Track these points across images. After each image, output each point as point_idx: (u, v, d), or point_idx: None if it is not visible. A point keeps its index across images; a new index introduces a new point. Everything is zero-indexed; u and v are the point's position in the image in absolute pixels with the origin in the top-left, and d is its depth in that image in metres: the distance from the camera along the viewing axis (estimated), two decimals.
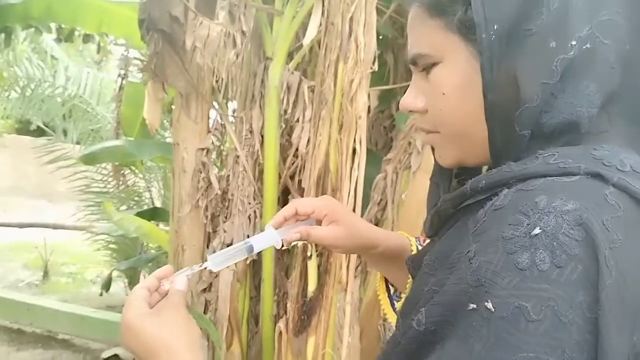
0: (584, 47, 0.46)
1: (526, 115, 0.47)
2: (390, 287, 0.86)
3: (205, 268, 0.67)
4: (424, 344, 0.43)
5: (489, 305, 0.38)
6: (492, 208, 0.43)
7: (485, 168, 0.61)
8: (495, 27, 0.46)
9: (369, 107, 1.76)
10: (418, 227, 1.90)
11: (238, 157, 1.97)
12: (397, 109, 2.38)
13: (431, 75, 0.54)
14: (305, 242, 0.73)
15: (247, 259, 1.97)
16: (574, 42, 0.45)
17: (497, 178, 0.47)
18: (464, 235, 0.45)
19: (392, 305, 0.84)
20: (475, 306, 0.39)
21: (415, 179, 1.86)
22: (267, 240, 0.71)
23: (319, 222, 0.74)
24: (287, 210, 0.72)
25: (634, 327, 0.36)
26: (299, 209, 0.71)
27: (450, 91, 0.52)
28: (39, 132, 9.58)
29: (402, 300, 0.79)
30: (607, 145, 0.46)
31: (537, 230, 0.38)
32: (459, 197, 0.52)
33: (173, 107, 2.27)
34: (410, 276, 0.76)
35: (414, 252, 0.78)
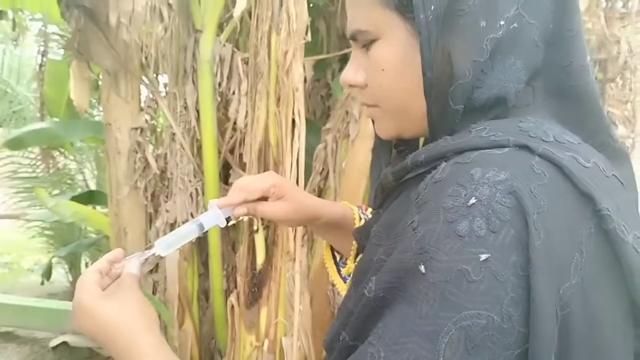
0: (512, 27, 0.48)
1: (459, 90, 0.49)
2: (337, 254, 0.89)
3: (154, 254, 0.65)
4: (375, 310, 0.46)
5: (434, 270, 0.41)
6: (432, 181, 0.46)
7: (422, 140, 0.64)
8: (432, 8, 0.48)
9: (304, 77, 1.76)
10: (359, 193, 1.96)
11: (174, 134, 1.94)
12: (333, 77, 2.39)
13: (371, 51, 0.55)
14: (252, 216, 0.74)
15: None
16: (502, 22, 0.48)
17: (435, 152, 0.50)
18: (408, 206, 0.48)
19: (339, 272, 0.88)
20: (421, 272, 0.41)
21: (354, 146, 1.90)
22: (215, 218, 0.70)
23: (264, 199, 0.75)
24: (236, 197, 0.71)
25: (559, 281, 0.40)
26: (248, 196, 0.71)
27: (389, 67, 0.54)
28: None
29: (348, 266, 0.82)
30: (532, 117, 0.50)
31: (473, 200, 0.41)
32: (400, 170, 0.55)
33: (100, 84, 2.18)
34: (354, 242, 0.79)
35: (357, 220, 0.81)
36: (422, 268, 0.41)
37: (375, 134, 0.65)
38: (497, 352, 0.39)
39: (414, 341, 0.40)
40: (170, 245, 0.67)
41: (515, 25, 0.49)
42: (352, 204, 0.90)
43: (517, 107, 0.51)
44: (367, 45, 0.55)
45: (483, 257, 0.40)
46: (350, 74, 0.58)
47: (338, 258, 0.89)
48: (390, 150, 0.67)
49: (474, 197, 0.41)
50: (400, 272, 0.44)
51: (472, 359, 0.39)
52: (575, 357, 0.41)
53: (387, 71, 0.54)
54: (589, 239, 0.42)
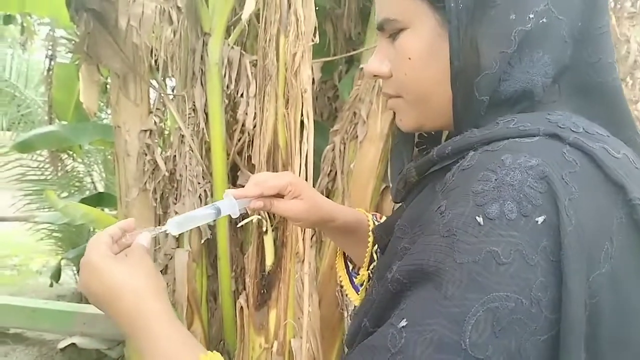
0: (541, 21, 0.49)
1: (485, 81, 0.50)
2: (349, 263, 0.89)
3: (165, 231, 0.65)
4: (397, 295, 0.45)
5: (461, 251, 0.41)
6: (460, 168, 0.46)
7: (445, 136, 0.64)
8: None
9: (312, 79, 1.76)
10: (367, 195, 1.96)
11: (183, 136, 1.94)
12: (340, 79, 2.40)
13: (398, 40, 0.56)
14: (267, 211, 0.74)
15: (201, 237, 1.97)
16: (531, 15, 0.49)
17: (463, 143, 0.50)
18: (433, 197, 0.48)
19: (352, 282, 0.87)
20: (448, 253, 0.41)
21: (362, 148, 1.90)
22: (230, 207, 0.70)
23: (280, 196, 0.75)
24: (252, 191, 0.71)
25: (589, 269, 0.40)
26: (265, 191, 0.71)
27: (416, 56, 0.54)
28: None
29: (361, 275, 0.82)
30: (559, 111, 0.50)
31: (504, 184, 0.41)
32: (425, 164, 0.55)
33: (109, 87, 2.20)
34: (367, 249, 0.79)
35: (371, 227, 0.81)
36: (449, 250, 0.41)
37: (397, 130, 0.66)
38: (524, 337, 0.39)
39: (439, 322, 0.40)
40: (181, 225, 0.66)
41: (545, 20, 0.49)
42: (362, 208, 0.90)
43: (543, 102, 0.52)
44: (394, 34, 0.56)
45: (513, 240, 0.40)
46: (376, 64, 0.59)
47: (351, 267, 0.89)
48: (412, 147, 0.68)
49: (505, 181, 0.41)
50: (424, 254, 0.44)
51: (498, 342, 0.38)
52: (605, 347, 0.41)
53: (414, 60, 0.55)
54: (620, 228, 0.42)
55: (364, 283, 0.83)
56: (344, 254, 0.89)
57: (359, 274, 0.84)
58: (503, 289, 0.39)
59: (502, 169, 0.42)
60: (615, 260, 0.41)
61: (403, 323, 0.41)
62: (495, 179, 0.42)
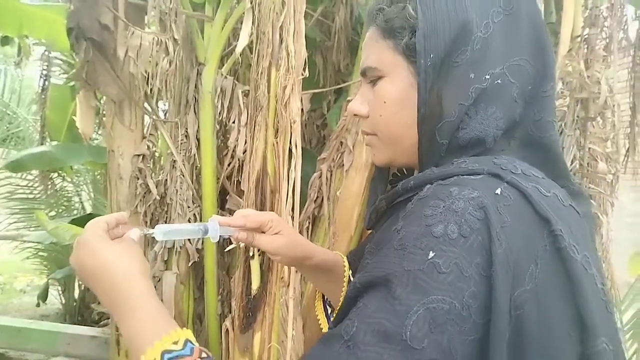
0: (496, 82, 0.58)
1: (445, 127, 0.59)
2: (328, 307, 0.95)
3: (152, 235, 0.70)
4: (354, 298, 0.53)
5: (409, 260, 0.49)
6: (418, 197, 0.55)
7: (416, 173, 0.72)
8: (431, 56, 0.58)
9: (302, 109, 1.84)
10: (353, 221, 2.03)
11: (175, 161, 2.00)
12: (328, 109, 2.48)
13: (377, 86, 0.65)
14: (249, 244, 0.81)
15: (189, 260, 2.01)
16: (487, 77, 0.58)
17: (422, 179, 0.59)
18: (396, 223, 0.56)
19: (329, 322, 0.94)
20: (399, 262, 0.50)
21: (348, 176, 1.97)
22: (213, 229, 0.76)
23: (262, 232, 0.81)
24: (236, 222, 0.78)
25: (514, 286, 0.48)
26: (247, 223, 0.78)
27: (390, 101, 0.64)
28: None
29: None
30: (505, 156, 0.59)
31: (450, 210, 0.50)
32: (392, 195, 0.64)
33: (102, 110, 2.25)
34: (342, 291, 0.86)
35: (346, 268, 0.88)
36: (400, 260, 0.50)
37: (375, 167, 0.75)
38: (455, 335, 0.46)
39: (385, 317, 0.47)
40: (167, 234, 0.73)
41: (499, 81, 0.58)
42: (347, 233, 0.97)
43: (494, 150, 0.61)
44: (374, 80, 0.66)
45: (452, 254, 0.48)
46: (356, 104, 0.69)
47: (329, 311, 0.95)
48: (386, 183, 0.76)
49: (451, 209, 0.50)
50: (379, 263, 0.52)
51: (433, 337, 0.46)
52: (528, 354, 0.48)
53: (388, 104, 0.64)
54: (544, 254, 0.50)
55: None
56: (323, 297, 0.95)
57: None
58: (441, 293, 0.47)
59: (449, 198, 0.51)
60: (538, 280, 0.49)
61: (357, 317, 0.49)
62: (443, 206, 0.50)
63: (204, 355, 0.55)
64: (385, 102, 0.64)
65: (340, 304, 0.63)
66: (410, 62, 0.61)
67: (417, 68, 0.59)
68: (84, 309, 4.24)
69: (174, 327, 0.57)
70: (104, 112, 2.18)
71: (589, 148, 1.77)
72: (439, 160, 0.60)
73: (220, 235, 0.78)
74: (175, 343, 0.55)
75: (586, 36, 1.85)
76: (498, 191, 0.51)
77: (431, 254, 0.48)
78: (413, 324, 0.46)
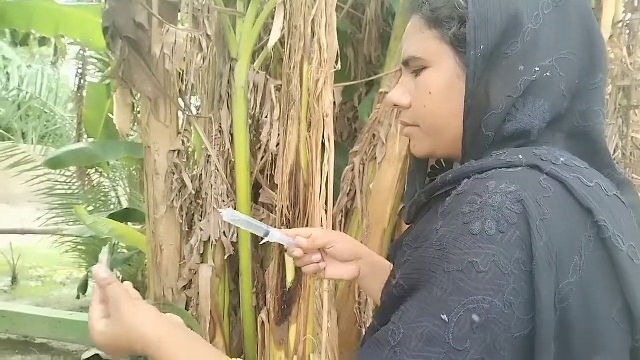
0: (545, 74, 0.57)
1: (492, 120, 0.58)
2: None
3: (220, 213, 0.73)
4: (399, 299, 0.53)
5: (449, 261, 0.49)
6: (455, 193, 0.54)
7: (455, 166, 0.72)
8: (481, 47, 0.58)
9: (334, 103, 1.84)
10: (386, 214, 2.02)
11: (209, 156, 2.03)
12: (360, 101, 2.47)
13: (421, 76, 0.64)
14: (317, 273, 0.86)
15: (225, 254, 2.04)
16: (537, 69, 0.57)
17: (461, 172, 0.58)
18: (435, 218, 0.55)
19: None
20: (438, 264, 0.50)
21: (381, 169, 1.97)
22: (275, 237, 0.81)
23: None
24: (305, 232, 0.83)
25: (557, 278, 0.47)
26: (313, 245, 0.83)
27: (435, 92, 0.63)
28: None
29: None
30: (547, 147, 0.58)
31: (487, 206, 0.50)
32: (431, 189, 0.63)
33: (138, 109, 2.30)
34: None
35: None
36: (440, 261, 0.50)
37: (413, 158, 0.74)
38: (499, 334, 0.46)
39: (429, 320, 0.48)
40: (235, 218, 0.78)
41: (549, 74, 0.57)
42: (381, 226, 0.98)
43: (537, 142, 0.59)
44: (418, 71, 0.64)
45: (491, 252, 0.47)
46: (397, 95, 0.67)
47: None
48: (425, 176, 0.76)
49: (488, 204, 0.49)
50: (421, 264, 0.52)
51: (476, 337, 0.46)
52: (576, 345, 0.48)
53: (434, 95, 0.63)
54: (588, 245, 0.49)
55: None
56: None
57: None
58: (480, 293, 0.47)
59: (486, 193, 0.50)
60: (583, 271, 0.48)
61: (401, 322, 0.50)
62: (480, 202, 0.50)
63: None
64: (431, 92, 0.63)
65: (382, 299, 0.63)
66: (457, 52, 0.60)
67: (466, 59, 0.58)
68: None
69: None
70: (139, 109, 2.23)
71: (632, 137, 1.71)
72: (482, 152, 0.60)
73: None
74: None
75: (628, 22, 1.79)
76: (537, 183, 0.51)
77: (470, 254, 0.48)
78: (455, 326, 0.46)
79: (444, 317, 0.47)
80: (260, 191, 2.22)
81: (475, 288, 0.47)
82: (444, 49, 0.61)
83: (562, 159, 0.54)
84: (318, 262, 0.85)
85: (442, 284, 0.48)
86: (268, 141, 2.00)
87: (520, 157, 0.54)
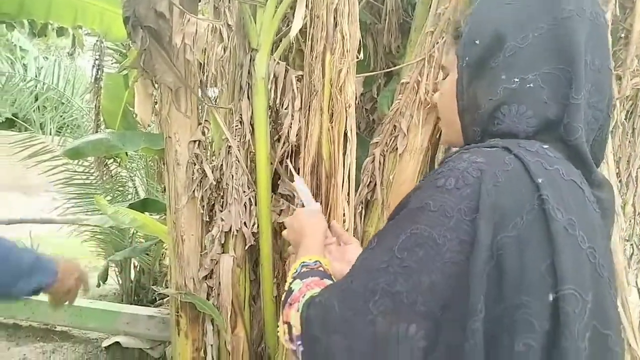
0: (527, 86, 0.68)
1: (478, 118, 0.73)
2: None
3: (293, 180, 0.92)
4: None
5: (412, 202, 0.66)
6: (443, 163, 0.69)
7: None
8: (467, 59, 0.74)
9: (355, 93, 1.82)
10: None
11: (230, 147, 2.03)
12: (378, 92, 2.45)
13: (444, 81, 0.83)
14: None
15: (245, 243, 2.05)
16: (517, 79, 0.69)
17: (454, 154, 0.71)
18: None
19: None
20: (405, 203, 0.68)
21: (402, 160, 1.95)
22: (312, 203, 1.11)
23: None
24: (346, 238, 1.09)
25: (496, 230, 0.59)
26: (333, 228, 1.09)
27: (444, 93, 0.82)
28: (9, 124, 9.37)
29: None
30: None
31: (454, 169, 0.64)
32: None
33: (156, 99, 2.30)
34: None
35: None
36: (406, 200, 0.68)
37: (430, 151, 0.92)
38: (430, 254, 0.61)
39: (388, 236, 0.67)
40: (300, 186, 1.13)
41: (531, 85, 0.68)
42: None
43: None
44: (445, 77, 0.83)
45: (442, 199, 0.62)
46: (435, 95, 0.89)
47: None
48: None
49: (455, 167, 0.63)
50: (395, 210, 0.70)
51: (412, 251, 0.62)
52: (507, 286, 0.58)
53: (443, 95, 0.83)
54: (531, 212, 0.60)
55: None
56: None
57: None
58: (424, 224, 0.62)
59: (458, 161, 0.64)
60: (521, 230, 0.59)
61: (378, 236, 0.69)
62: (451, 166, 0.64)
63: (319, 266, 0.86)
64: (442, 93, 0.83)
65: None
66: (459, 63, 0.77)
67: (457, 68, 0.76)
68: (139, 289, 4.40)
69: (315, 254, 0.91)
70: (156, 99, 2.23)
71: None
72: (477, 142, 0.72)
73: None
74: (310, 259, 0.88)
75: None
76: (502, 159, 0.62)
77: (427, 198, 0.63)
78: (401, 242, 0.63)
79: (397, 234, 0.64)
80: (279, 182, 2.23)
81: (423, 220, 0.62)
82: (455, 60, 0.78)
83: (536, 149, 0.64)
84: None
85: (405, 215, 0.66)
86: (288, 132, 2.00)
87: (501, 142, 0.66)
